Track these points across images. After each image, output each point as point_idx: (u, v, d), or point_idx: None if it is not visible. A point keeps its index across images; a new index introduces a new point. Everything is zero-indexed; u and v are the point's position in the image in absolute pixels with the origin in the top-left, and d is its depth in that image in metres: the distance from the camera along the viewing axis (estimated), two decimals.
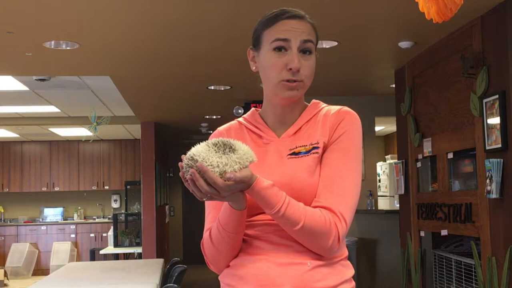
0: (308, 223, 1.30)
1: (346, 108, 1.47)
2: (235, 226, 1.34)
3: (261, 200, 1.30)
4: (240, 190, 1.28)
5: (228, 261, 1.41)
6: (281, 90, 1.44)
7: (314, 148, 1.41)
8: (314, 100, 1.54)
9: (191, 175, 1.23)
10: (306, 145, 1.43)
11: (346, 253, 1.43)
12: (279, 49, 1.42)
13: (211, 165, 1.23)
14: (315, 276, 1.33)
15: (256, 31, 1.48)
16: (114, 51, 4.51)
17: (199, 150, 1.26)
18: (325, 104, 1.53)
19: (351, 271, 1.43)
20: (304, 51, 1.43)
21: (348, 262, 1.44)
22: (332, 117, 1.45)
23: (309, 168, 1.39)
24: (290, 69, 1.41)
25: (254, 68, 1.50)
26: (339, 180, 1.37)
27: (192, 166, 1.24)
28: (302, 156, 1.41)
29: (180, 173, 1.26)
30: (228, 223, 1.34)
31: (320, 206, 1.35)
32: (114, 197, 11.85)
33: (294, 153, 1.42)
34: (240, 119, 1.57)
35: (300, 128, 1.47)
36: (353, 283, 1.42)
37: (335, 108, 1.48)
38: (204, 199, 1.27)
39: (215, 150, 1.26)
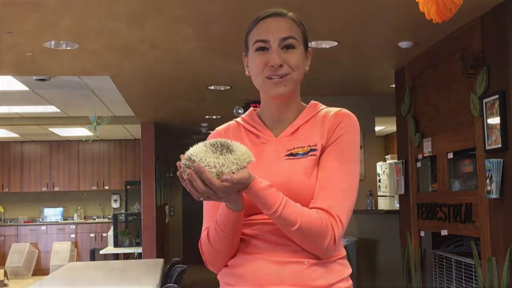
0: (305, 224, 1.31)
1: (344, 110, 1.47)
2: (232, 226, 1.34)
3: (258, 200, 1.30)
4: (237, 191, 1.29)
5: (226, 260, 1.42)
6: (268, 88, 1.45)
7: (311, 150, 1.42)
8: (313, 101, 1.54)
9: (188, 175, 1.24)
10: (304, 147, 1.43)
11: (343, 252, 1.44)
12: (261, 49, 1.44)
13: (208, 166, 1.24)
14: (312, 275, 1.34)
15: (245, 37, 1.51)
16: (114, 51, 4.51)
17: (196, 151, 1.26)
18: (324, 106, 1.53)
19: (348, 270, 1.43)
20: (286, 47, 1.43)
21: (346, 261, 1.45)
22: (331, 119, 1.45)
23: (306, 170, 1.39)
24: (272, 66, 1.42)
25: (247, 73, 1.53)
26: (336, 182, 1.38)
27: (189, 166, 1.24)
28: (299, 158, 1.41)
29: (178, 173, 1.27)
30: (226, 223, 1.34)
31: (317, 207, 1.35)
32: (114, 197, 11.85)
33: (291, 154, 1.42)
34: (238, 119, 1.57)
35: (298, 128, 1.47)
36: (350, 282, 1.42)
37: (333, 109, 1.48)
38: (201, 199, 1.28)
39: (212, 150, 1.26)
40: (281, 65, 1.42)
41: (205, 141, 1.29)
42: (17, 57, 4.64)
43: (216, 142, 1.28)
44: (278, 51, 1.42)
